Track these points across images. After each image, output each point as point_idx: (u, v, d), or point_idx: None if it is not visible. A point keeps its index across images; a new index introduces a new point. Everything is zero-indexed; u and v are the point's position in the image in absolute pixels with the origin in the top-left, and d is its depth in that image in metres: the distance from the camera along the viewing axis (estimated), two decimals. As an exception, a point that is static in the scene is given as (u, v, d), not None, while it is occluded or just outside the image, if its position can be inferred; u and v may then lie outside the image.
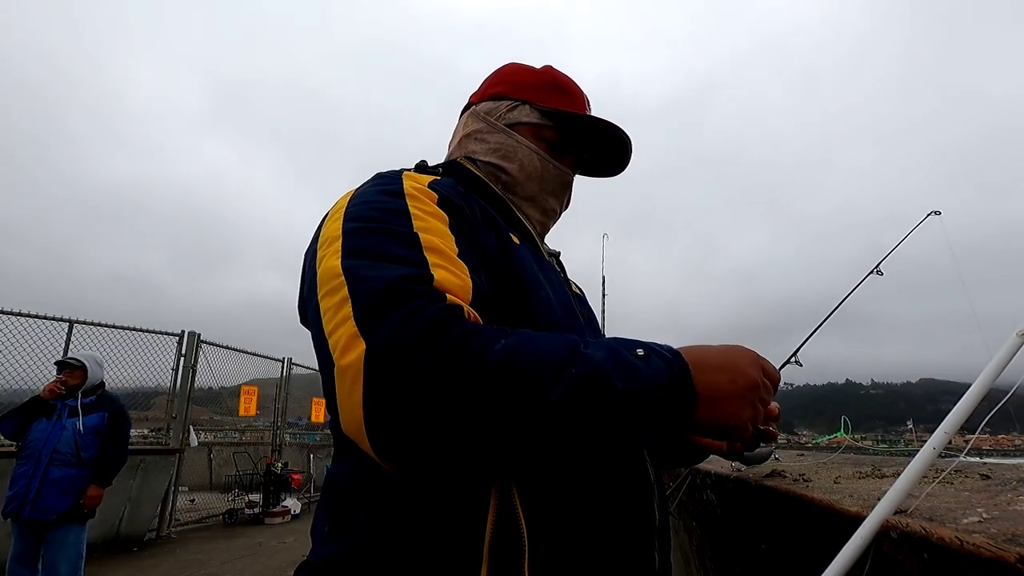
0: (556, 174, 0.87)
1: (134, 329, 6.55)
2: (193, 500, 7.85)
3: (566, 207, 0.94)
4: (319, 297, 0.56)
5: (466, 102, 0.95)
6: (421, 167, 0.83)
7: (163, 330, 6.91)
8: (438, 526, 0.54)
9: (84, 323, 5.98)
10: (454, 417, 0.46)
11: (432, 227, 0.61)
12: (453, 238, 0.62)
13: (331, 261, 0.57)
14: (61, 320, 5.79)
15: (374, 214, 0.62)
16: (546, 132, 0.86)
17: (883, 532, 0.47)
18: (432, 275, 0.54)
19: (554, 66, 0.92)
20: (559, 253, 0.94)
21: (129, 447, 3.61)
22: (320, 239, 0.63)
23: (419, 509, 0.55)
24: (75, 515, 3.19)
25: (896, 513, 0.48)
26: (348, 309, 0.51)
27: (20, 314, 5.47)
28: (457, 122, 0.94)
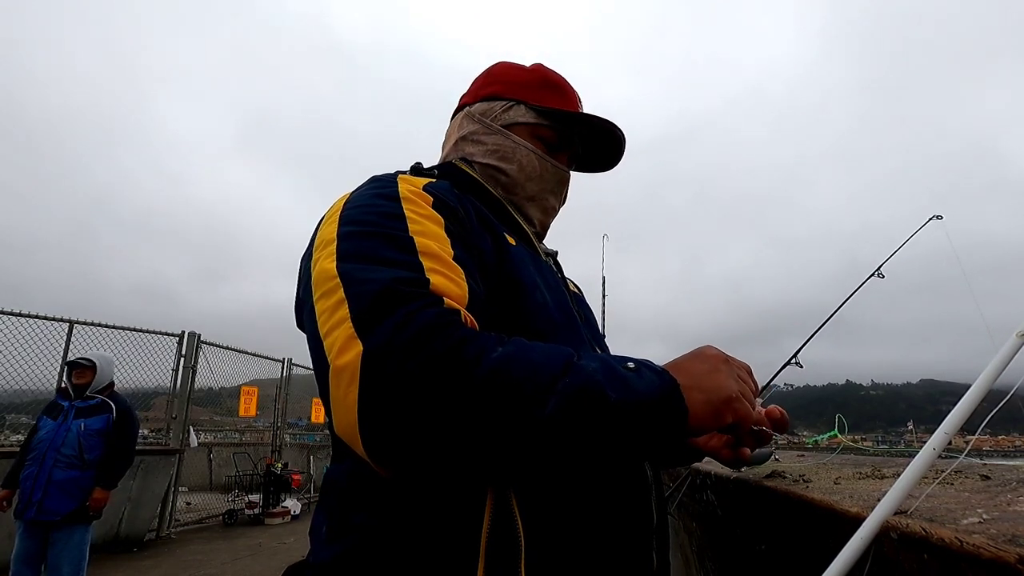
0: (554, 172, 0.87)
1: (134, 330, 6.55)
2: (189, 503, 7.85)
3: (563, 203, 0.94)
4: (314, 299, 0.55)
5: (457, 103, 0.94)
6: (416, 169, 0.82)
7: (163, 330, 6.91)
8: (434, 527, 0.55)
9: (84, 323, 5.99)
10: (449, 423, 0.46)
11: (428, 230, 0.61)
12: (449, 241, 0.62)
13: (326, 264, 0.57)
14: (61, 320, 5.79)
15: (369, 218, 0.61)
16: (543, 131, 0.86)
17: (883, 533, 0.47)
18: (428, 279, 0.54)
19: (544, 63, 0.93)
20: (556, 252, 0.95)
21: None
22: (315, 242, 0.63)
23: (416, 510, 0.56)
24: (79, 516, 3.18)
25: (896, 514, 0.48)
26: (344, 311, 0.51)
27: (20, 314, 5.48)
28: (450, 124, 0.93)
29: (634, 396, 0.49)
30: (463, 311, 0.54)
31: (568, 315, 0.75)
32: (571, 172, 0.93)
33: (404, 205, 0.63)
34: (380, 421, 0.46)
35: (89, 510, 3.22)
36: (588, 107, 0.96)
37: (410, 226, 0.60)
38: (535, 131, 0.86)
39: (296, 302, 0.67)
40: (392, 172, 0.76)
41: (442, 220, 0.64)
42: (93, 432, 3.29)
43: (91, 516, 3.25)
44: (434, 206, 0.66)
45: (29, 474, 3.14)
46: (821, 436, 0.82)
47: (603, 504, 0.62)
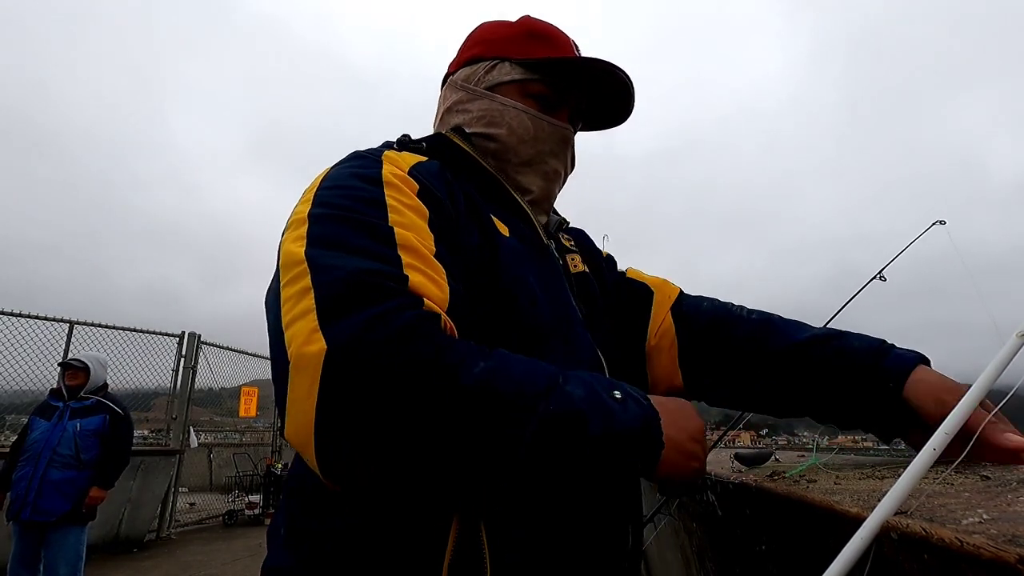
0: (552, 131, 0.76)
1: (134, 330, 6.56)
2: (193, 504, 7.84)
3: (572, 168, 0.83)
4: (280, 284, 0.51)
5: (445, 72, 0.85)
6: (403, 142, 0.74)
7: (163, 331, 6.91)
8: (393, 544, 0.51)
9: (84, 324, 5.99)
10: (417, 439, 0.42)
11: (410, 222, 0.56)
12: (432, 236, 0.57)
13: (293, 247, 0.52)
14: (61, 321, 5.80)
15: (345, 202, 0.56)
16: (533, 87, 0.76)
17: (883, 533, 0.47)
18: (406, 276, 0.49)
19: (532, 15, 0.82)
20: (566, 224, 0.86)
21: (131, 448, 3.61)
22: (288, 220, 0.58)
23: (374, 525, 0.52)
24: (75, 517, 3.18)
25: (896, 514, 0.48)
26: (310, 300, 0.46)
27: (20, 315, 5.48)
28: (439, 97, 0.85)
29: (614, 430, 0.47)
30: (443, 316, 0.49)
31: (563, 316, 0.68)
32: (577, 131, 0.82)
33: (386, 191, 0.58)
34: (340, 430, 0.42)
35: (84, 508, 3.20)
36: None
37: (390, 215, 0.55)
38: (524, 88, 0.76)
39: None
40: (377, 147, 0.70)
41: (426, 211, 0.59)
42: (89, 432, 3.29)
43: (87, 516, 3.24)
44: (419, 194, 0.60)
45: (24, 475, 3.12)
46: (803, 465, 0.82)
47: (577, 528, 0.58)
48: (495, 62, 0.77)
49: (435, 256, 0.55)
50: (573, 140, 0.81)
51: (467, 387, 0.43)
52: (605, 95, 0.80)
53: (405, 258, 0.51)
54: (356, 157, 0.65)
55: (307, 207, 0.56)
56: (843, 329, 0.77)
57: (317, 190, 0.59)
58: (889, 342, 0.74)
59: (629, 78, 0.77)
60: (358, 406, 0.42)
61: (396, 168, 0.61)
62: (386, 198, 0.57)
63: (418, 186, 0.61)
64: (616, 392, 0.50)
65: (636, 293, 0.90)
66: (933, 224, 1.32)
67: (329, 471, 0.44)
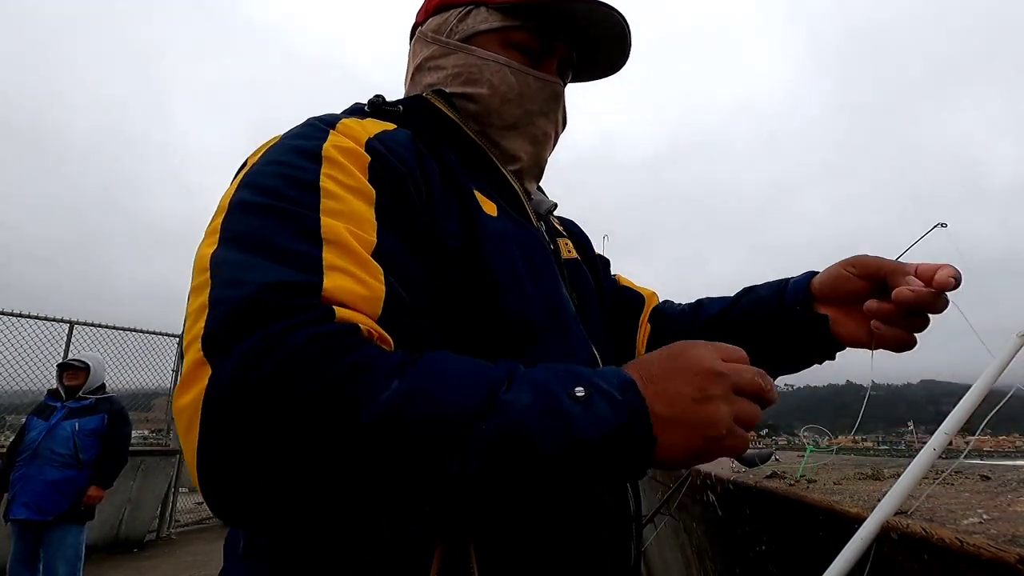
0: (539, 87, 0.67)
1: (134, 330, 6.56)
2: (201, 502, 7.85)
3: (563, 127, 0.74)
4: (189, 292, 0.44)
5: (412, 23, 0.75)
6: (376, 104, 0.65)
7: (163, 331, 6.92)
8: (363, 569, 0.46)
9: (84, 324, 5.99)
10: (314, 491, 0.36)
11: (347, 209, 0.47)
12: (375, 225, 0.48)
13: (204, 247, 0.45)
14: (61, 321, 5.80)
15: (275, 183, 0.48)
16: (515, 35, 0.66)
17: (883, 533, 0.47)
18: (320, 282, 0.41)
19: None
20: (555, 206, 0.77)
21: (129, 448, 3.60)
22: (218, 203, 0.49)
23: (342, 547, 0.46)
24: (73, 516, 3.18)
25: (896, 514, 0.48)
26: (201, 325, 0.39)
27: (20, 315, 5.48)
28: (408, 52, 0.75)
29: (574, 441, 0.38)
30: (366, 324, 0.42)
31: (556, 308, 0.61)
32: (567, 83, 0.73)
33: (323, 170, 0.49)
34: (221, 481, 0.36)
35: (82, 507, 3.20)
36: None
37: (323, 202, 0.46)
38: (505, 38, 0.66)
39: None
40: (342, 112, 0.62)
41: (373, 193, 0.50)
42: (88, 432, 3.29)
43: (85, 516, 3.24)
44: (371, 170, 0.51)
45: (22, 475, 3.12)
46: (803, 463, 0.83)
47: (572, 544, 0.53)
48: (469, 8, 0.68)
49: (380, 246, 0.47)
50: (564, 95, 0.72)
51: (368, 423, 0.36)
52: (597, 40, 0.71)
53: (328, 258, 0.43)
54: (306, 125, 0.56)
55: (232, 190, 0.49)
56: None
57: (253, 165, 0.51)
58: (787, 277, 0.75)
59: (625, 19, 0.68)
60: (238, 456, 0.36)
61: (344, 140, 0.53)
62: (321, 180, 0.48)
63: (370, 159, 0.52)
64: (579, 389, 0.40)
65: (630, 301, 0.91)
66: (934, 227, 1.33)
67: (222, 517, 0.39)
